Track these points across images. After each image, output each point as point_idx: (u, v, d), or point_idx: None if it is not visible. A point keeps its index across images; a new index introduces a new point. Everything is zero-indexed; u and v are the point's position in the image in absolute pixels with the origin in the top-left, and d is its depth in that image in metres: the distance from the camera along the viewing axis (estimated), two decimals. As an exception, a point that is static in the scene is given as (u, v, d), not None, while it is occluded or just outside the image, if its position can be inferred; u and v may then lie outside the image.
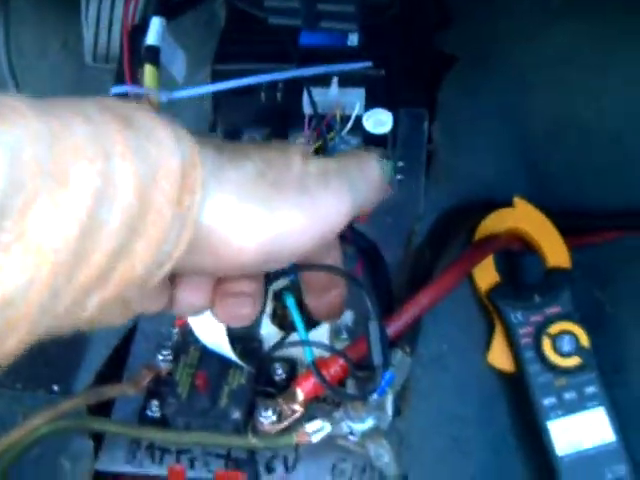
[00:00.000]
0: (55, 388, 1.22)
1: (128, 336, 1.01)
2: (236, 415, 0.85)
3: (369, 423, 0.83)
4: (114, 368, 0.98)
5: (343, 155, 0.68)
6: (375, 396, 0.85)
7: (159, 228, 0.49)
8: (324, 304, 0.80)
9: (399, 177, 1.04)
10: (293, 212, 0.58)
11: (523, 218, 1.03)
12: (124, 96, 0.96)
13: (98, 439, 0.92)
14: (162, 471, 0.89)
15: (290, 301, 0.88)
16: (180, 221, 0.50)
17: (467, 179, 1.11)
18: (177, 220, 0.50)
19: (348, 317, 0.95)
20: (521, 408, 0.95)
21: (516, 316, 0.98)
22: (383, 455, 0.81)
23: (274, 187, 0.58)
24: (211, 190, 0.54)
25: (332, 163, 0.63)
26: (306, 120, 1.00)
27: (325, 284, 0.77)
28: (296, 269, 0.90)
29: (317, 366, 0.86)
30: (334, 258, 0.76)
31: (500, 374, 0.98)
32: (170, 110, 0.98)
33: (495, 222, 1.03)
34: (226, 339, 0.83)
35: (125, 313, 0.58)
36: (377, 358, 0.82)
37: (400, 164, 1.05)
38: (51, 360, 1.24)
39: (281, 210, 0.57)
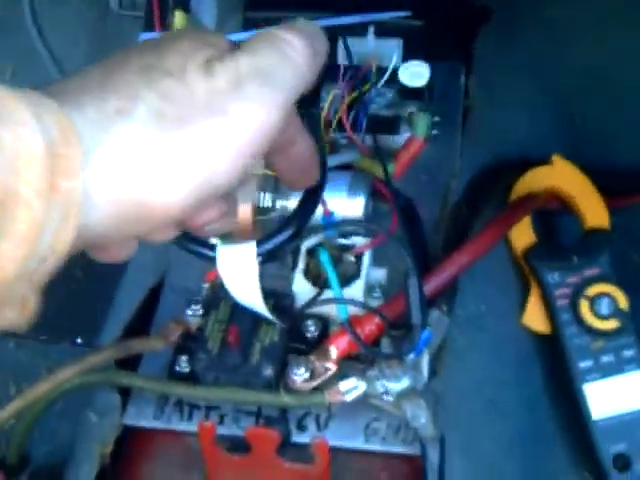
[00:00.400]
0: (79, 340, 1.20)
1: (156, 290, 1.00)
2: (268, 372, 0.83)
3: (405, 383, 0.81)
4: (141, 322, 0.97)
5: (255, 44, 0.55)
6: (411, 355, 0.83)
7: (29, 223, 0.43)
8: (293, 162, 0.69)
9: (435, 132, 1.01)
10: (209, 144, 0.50)
11: (561, 177, 1.00)
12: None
13: (125, 393, 0.90)
14: (191, 427, 0.87)
15: (324, 257, 0.86)
16: (60, 209, 0.44)
17: (503, 135, 1.07)
18: (55, 209, 0.44)
19: (382, 274, 0.93)
20: (557, 370, 0.93)
21: (553, 277, 0.95)
22: (420, 416, 0.79)
23: (179, 124, 0.49)
24: (102, 158, 0.47)
25: (244, 64, 0.52)
26: (340, 71, 0.97)
27: (290, 137, 0.66)
28: (329, 225, 0.88)
29: (351, 324, 0.84)
30: (301, 146, 0.67)
31: (536, 335, 0.96)
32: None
33: (532, 180, 1.00)
34: (259, 294, 0.81)
35: (25, 312, 0.50)
36: (416, 317, 0.80)
37: (436, 119, 1.02)
38: (75, 312, 1.23)
39: (194, 148, 0.49)
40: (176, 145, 0.49)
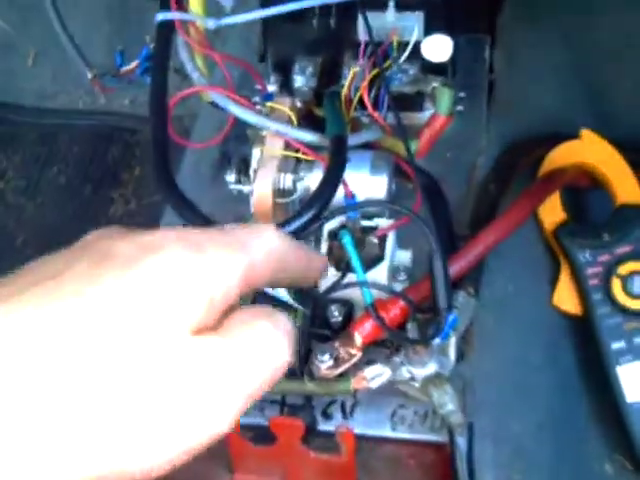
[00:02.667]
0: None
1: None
2: (291, 359, 0.81)
3: (431, 368, 0.79)
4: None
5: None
6: (437, 340, 0.80)
7: None
8: (294, 280, 0.61)
9: (459, 108, 0.98)
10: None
11: (591, 152, 0.97)
12: (170, 23, 0.91)
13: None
14: (214, 416, 0.86)
15: (347, 240, 0.83)
16: None
17: (530, 110, 1.05)
18: None
19: (406, 256, 0.90)
20: (589, 352, 0.90)
21: (584, 255, 0.93)
22: (447, 402, 0.77)
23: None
24: None
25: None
26: (361, 48, 0.94)
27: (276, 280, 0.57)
28: (352, 207, 0.86)
29: (376, 308, 0.82)
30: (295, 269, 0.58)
31: (566, 316, 0.94)
32: (216, 39, 0.93)
33: (561, 156, 0.97)
34: (281, 279, 0.79)
35: None
36: (442, 300, 0.78)
37: (461, 94, 0.99)
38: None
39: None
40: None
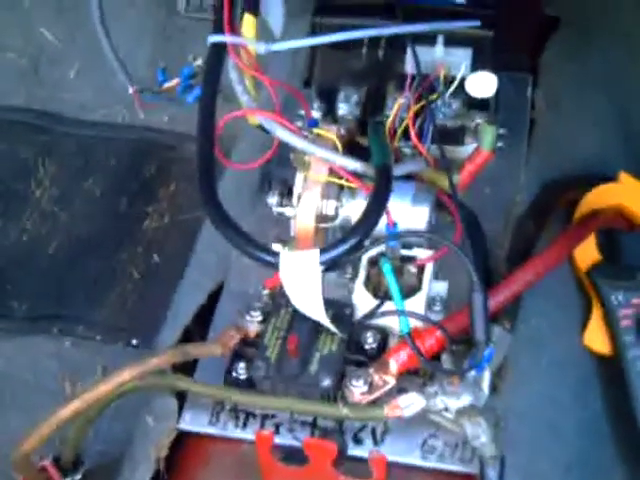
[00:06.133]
0: (134, 342, 1.21)
1: (214, 295, 0.99)
2: (327, 382, 0.82)
3: (465, 400, 0.80)
4: (199, 326, 0.96)
5: None
6: (472, 372, 0.81)
7: None
8: None
9: (500, 145, 0.99)
10: None
11: (629, 195, 0.98)
12: (222, 45, 0.92)
13: (181, 398, 0.90)
14: (246, 435, 0.87)
15: (387, 268, 0.85)
16: None
17: (569, 150, 1.06)
18: None
19: (443, 287, 0.91)
20: (618, 393, 0.91)
21: (617, 297, 0.93)
22: (480, 435, 0.77)
23: None
24: None
25: None
26: (407, 80, 0.96)
27: None
28: (394, 236, 0.87)
29: (412, 337, 0.83)
30: None
31: (597, 356, 0.94)
32: (263, 64, 0.94)
33: (599, 197, 0.98)
34: (321, 302, 0.80)
35: None
36: (480, 333, 0.79)
37: (501, 131, 1.00)
38: (132, 314, 1.24)
39: None
40: None
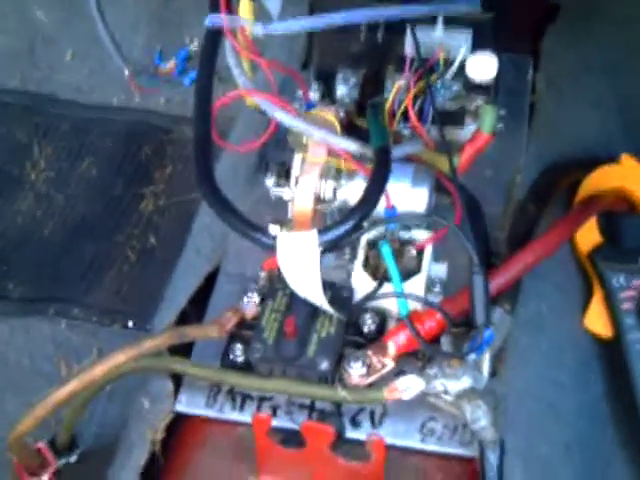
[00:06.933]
0: (130, 324, 1.20)
1: (211, 276, 0.99)
2: (324, 365, 0.82)
3: (465, 383, 0.79)
4: (196, 308, 0.96)
5: None
6: (472, 355, 0.81)
7: None
8: None
9: (500, 126, 0.98)
10: None
11: (630, 177, 0.97)
12: (219, 27, 0.91)
13: (177, 380, 0.89)
14: (243, 417, 0.86)
15: (387, 250, 0.84)
16: None
17: (570, 133, 1.05)
18: None
19: (442, 270, 0.90)
20: (618, 375, 0.90)
21: (617, 279, 0.93)
22: (480, 418, 0.77)
23: None
24: None
25: None
26: (407, 62, 0.95)
27: None
28: (394, 218, 0.86)
29: (412, 320, 0.82)
30: None
31: (597, 339, 0.94)
32: (260, 45, 0.93)
33: (600, 179, 0.98)
34: (319, 284, 0.79)
35: None
36: (480, 316, 0.78)
37: (501, 112, 0.99)
38: (128, 295, 1.23)
39: None
40: None
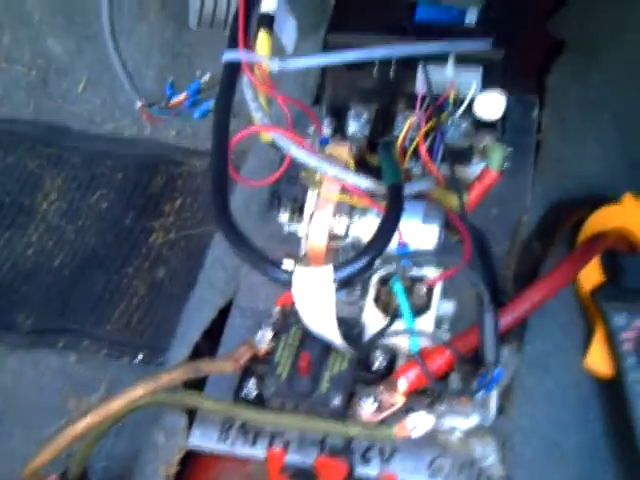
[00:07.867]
0: (139, 357, 1.21)
1: (224, 310, 1.00)
2: (337, 401, 0.83)
3: (473, 420, 0.80)
4: (208, 341, 0.96)
5: None
6: (481, 392, 0.82)
7: None
8: None
9: (506, 165, 1.00)
10: None
11: (631, 216, 0.98)
12: (236, 63, 0.92)
13: (190, 415, 0.90)
14: (255, 452, 0.87)
15: (398, 287, 0.85)
16: None
17: (575, 171, 1.06)
18: None
19: (450, 307, 0.91)
20: (619, 415, 0.91)
21: (619, 319, 0.93)
22: (489, 455, 0.78)
23: None
24: None
25: None
26: (418, 99, 0.96)
27: None
28: (406, 256, 0.87)
29: (422, 357, 0.83)
30: None
31: (599, 378, 0.94)
32: (274, 80, 0.95)
33: (602, 219, 0.99)
34: (334, 320, 0.80)
35: None
36: (490, 353, 0.80)
37: (509, 150, 1.00)
38: (138, 329, 1.24)
39: None
40: None
